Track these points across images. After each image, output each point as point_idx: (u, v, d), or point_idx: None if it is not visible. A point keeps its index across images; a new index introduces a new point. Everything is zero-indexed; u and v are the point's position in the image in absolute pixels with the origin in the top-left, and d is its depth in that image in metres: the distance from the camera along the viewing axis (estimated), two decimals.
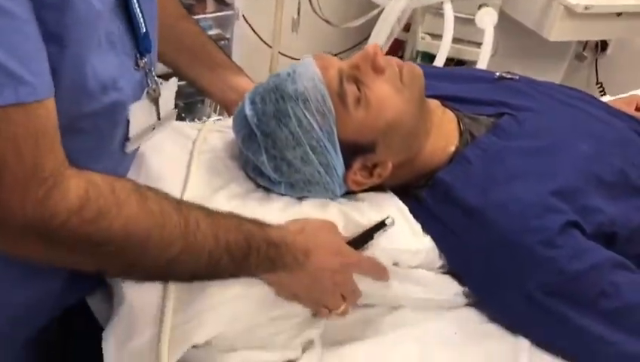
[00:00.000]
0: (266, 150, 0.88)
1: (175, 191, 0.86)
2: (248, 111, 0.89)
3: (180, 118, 1.96)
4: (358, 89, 0.88)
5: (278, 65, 2.11)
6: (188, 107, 1.95)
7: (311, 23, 2.18)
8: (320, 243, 0.81)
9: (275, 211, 0.87)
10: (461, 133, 0.99)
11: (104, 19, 0.65)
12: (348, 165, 0.90)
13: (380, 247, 0.87)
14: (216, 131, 1.03)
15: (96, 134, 0.70)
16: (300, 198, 0.92)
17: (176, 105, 1.97)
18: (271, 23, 2.03)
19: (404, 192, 0.96)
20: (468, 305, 0.93)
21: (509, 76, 1.11)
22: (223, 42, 1.79)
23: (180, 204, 0.69)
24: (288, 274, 0.78)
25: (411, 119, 0.91)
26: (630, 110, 1.22)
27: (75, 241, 0.60)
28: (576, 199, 0.90)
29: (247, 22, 2.14)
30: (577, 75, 2.62)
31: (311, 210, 0.89)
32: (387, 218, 0.87)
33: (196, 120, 2.02)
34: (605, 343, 0.84)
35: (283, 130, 0.87)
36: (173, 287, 0.77)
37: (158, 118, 0.80)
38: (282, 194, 0.92)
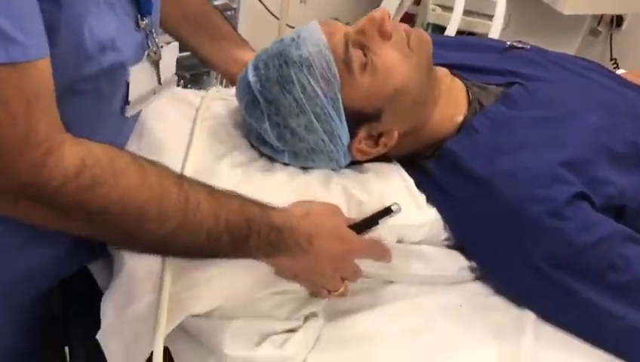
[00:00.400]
0: (269, 117, 0.87)
1: (177, 159, 0.85)
2: (251, 77, 0.87)
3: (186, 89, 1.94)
4: (364, 55, 0.85)
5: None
6: (194, 79, 1.92)
7: None
8: (324, 230, 0.79)
9: (278, 182, 0.86)
10: (470, 103, 0.96)
11: None
12: (353, 134, 0.88)
13: (384, 225, 0.85)
14: (220, 99, 1.02)
15: (96, 97, 0.69)
16: (304, 168, 0.90)
17: (182, 77, 1.96)
18: None
19: (411, 163, 0.94)
20: (473, 279, 0.92)
21: (520, 45, 1.09)
22: (229, 12, 1.76)
23: (181, 179, 0.68)
24: (290, 258, 0.77)
25: (418, 86, 0.88)
26: None
27: (71, 207, 0.60)
28: (586, 171, 0.88)
29: None
30: (591, 51, 2.57)
31: (314, 182, 0.87)
32: (394, 204, 0.84)
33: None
34: (613, 317, 0.82)
35: (286, 97, 0.85)
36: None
37: (159, 82, 0.79)
38: (286, 164, 0.90)
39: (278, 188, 0.84)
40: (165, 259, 0.76)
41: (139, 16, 0.71)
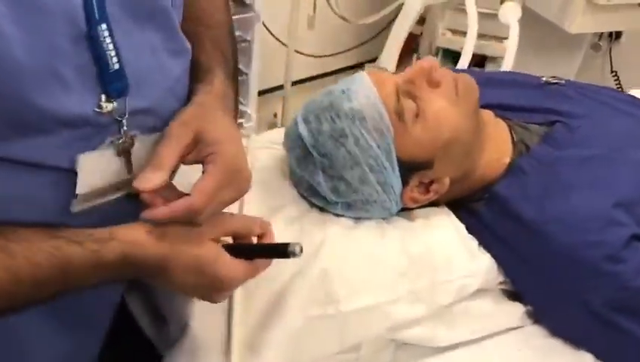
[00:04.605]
0: (323, 171, 0.86)
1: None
2: (303, 130, 0.87)
3: None
4: (416, 105, 0.85)
5: (294, 62, 2.09)
6: None
7: (326, 20, 2.16)
8: (181, 261, 0.63)
9: (334, 239, 0.85)
10: (514, 144, 0.96)
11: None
12: (404, 182, 0.88)
13: (440, 281, 0.85)
14: (264, 148, 1.01)
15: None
16: (357, 219, 0.89)
17: None
18: (286, 20, 1.99)
19: (460, 206, 0.94)
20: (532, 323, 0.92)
21: (554, 81, 1.09)
22: (243, 44, 1.75)
23: None
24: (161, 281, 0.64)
25: (468, 133, 0.88)
26: None
27: None
28: (637, 210, 0.88)
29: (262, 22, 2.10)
30: (593, 64, 2.59)
31: (369, 236, 0.87)
32: (296, 245, 0.66)
33: None
34: None
35: (340, 150, 0.84)
36: (237, 319, 0.76)
37: (129, 173, 0.65)
38: (338, 215, 0.89)
39: (335, 245, 0.84)
40: (231, 321, 0.75)
41: (103, 96, 0.59)
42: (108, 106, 0.59)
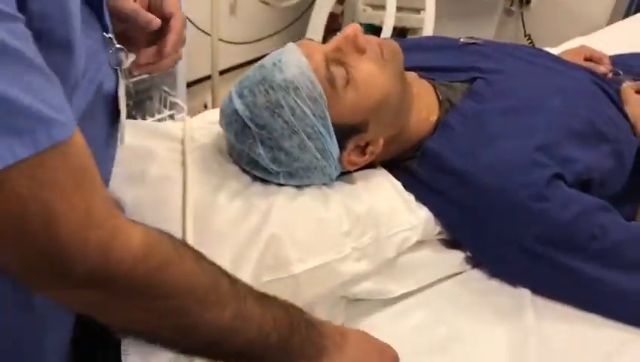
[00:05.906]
0: (262, 142, 0.89)
1: (176, 195, 0.86)
2: (238, 105, 0.89)
3: (130, 116, 1.92)
4: (345, 71, 0.89)
5: (221, 51, 2.09)
6: (137, 105, 1.90)
7: (248, 6, 2.17)
8: (353, 333, 0.77)
9: (280, 207, 0.87)
10: (440, 102, 1.02)
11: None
12: (342, 147, 0.92)
13: (383, 237, 0.89)
14: (199, 128, 1.02)
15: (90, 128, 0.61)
16: (298, 187, 0.93)
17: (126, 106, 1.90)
18: (207, 9, 2.00)
19: (395, 165, 0.99)
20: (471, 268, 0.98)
21: (472, 41, 1.15)
22: None
23: (224, 270, 0.65)
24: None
25: (397, 94, 0.93)
26: (579, 60, 1.29)
27: (138, 293, 0.56)
28: (556, 152, 0.95)
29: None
30: (507, 29, 2.72)
31: (314, 201, 0.90)
32: None
33: (147, 116, 1.98)
34: (603, 283, 0.90)
35: (277, 121, 0.87)
36: None
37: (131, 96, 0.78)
38: (280, 185, 0.92)
39: (281, 212, 0.86)
40: None
41: (104, 34, 0.67)
42: (109, 39, 0.67)
